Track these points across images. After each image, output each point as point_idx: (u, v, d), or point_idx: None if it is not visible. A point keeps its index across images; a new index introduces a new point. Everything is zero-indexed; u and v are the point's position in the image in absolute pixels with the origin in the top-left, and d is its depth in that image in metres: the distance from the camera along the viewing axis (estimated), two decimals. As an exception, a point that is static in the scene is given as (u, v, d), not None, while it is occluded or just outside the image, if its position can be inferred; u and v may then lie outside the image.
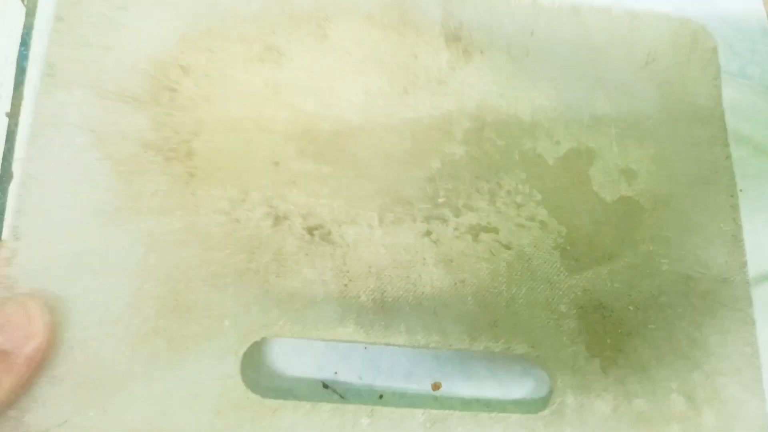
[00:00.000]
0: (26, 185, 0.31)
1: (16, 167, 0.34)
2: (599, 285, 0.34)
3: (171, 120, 0.33)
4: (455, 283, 0.33)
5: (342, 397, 0.32)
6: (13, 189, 0.33)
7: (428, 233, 0.33)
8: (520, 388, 0.33)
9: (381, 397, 0.32)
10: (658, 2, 0.40)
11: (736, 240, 0.35)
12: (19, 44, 0.37)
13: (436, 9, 0.37)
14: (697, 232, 0.35)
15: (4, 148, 0.34)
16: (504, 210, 0.34)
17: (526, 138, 0.36)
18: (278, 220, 0.32)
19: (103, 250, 0.31)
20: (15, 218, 0.30)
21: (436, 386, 0.33)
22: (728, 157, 0.37)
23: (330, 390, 0.32)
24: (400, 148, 0.35)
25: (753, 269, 0.35)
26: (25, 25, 0.37)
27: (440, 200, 0.34)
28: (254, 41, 0.35)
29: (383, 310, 0.32)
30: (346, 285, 0.32)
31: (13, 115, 0.34)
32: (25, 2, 0.37)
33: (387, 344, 0.31)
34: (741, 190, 0.36)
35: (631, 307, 0.33)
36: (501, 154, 0.35)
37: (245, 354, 0.30)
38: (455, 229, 0.34)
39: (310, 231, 0.32)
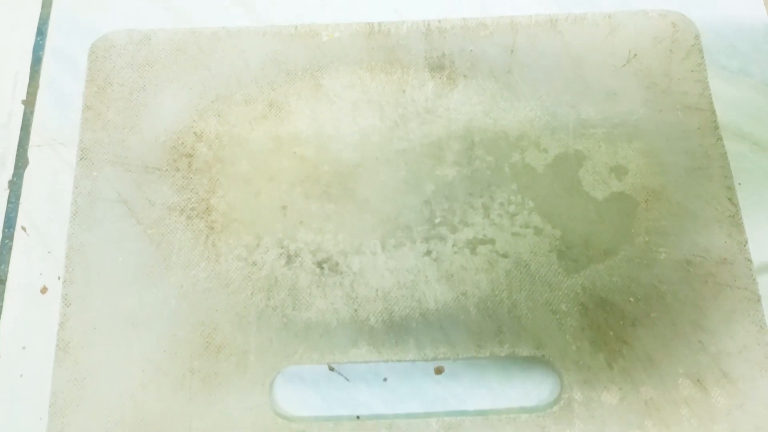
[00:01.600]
0: (71, 258, 0.36)
1: (32, 153, 0.38)
2: (598, 281, 0.35)
3: (190, 183, 0.37)
4: (458, 296, 0.35)
5: (347, 380, 0.35)
6: (27, 175, 0.38)
7: (428, 252, 0.36)
8: (532, 391, 0.35)
9: (385, 380, 0.35)
10: (660, 3, 0.41)
11: (734, 220, 0.36)
12: (35, 34, 0.41)
13: (419, 44, 0.40)
14: (694, 218, 0.36)
15: (20, 135, 0.38)
16: (498, 221, 0.36)
17: (514, 150, 0.38)
18: (290, 258, 0.36)
19: (141, 306, 0.35)
20: (65, 287, 0.35)
21: (438, 370, 0.35)
22: (719, 139, 0.38)
23: (335, 373, 0.35)
24: (395, 177, 0.37)
25: (754, 261, 0.35)
26: (41, 16, 0.41)
27: (437, 220, 0.37)
28: (257, 101, 0.39)
29: (392, 329, 0.34)
30: (356, 310, 0.35)
31: (29, 103, 0.38)
32: (42, -7, 0.40)
33: (398, 360, 0.34)
34: (740, 184, 0.37)
35: (631, 299, 0.35)
36: (491, 169, 0.38)
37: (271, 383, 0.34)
38: (453, 245, 0.36)
39: (320, 265, 0.36)
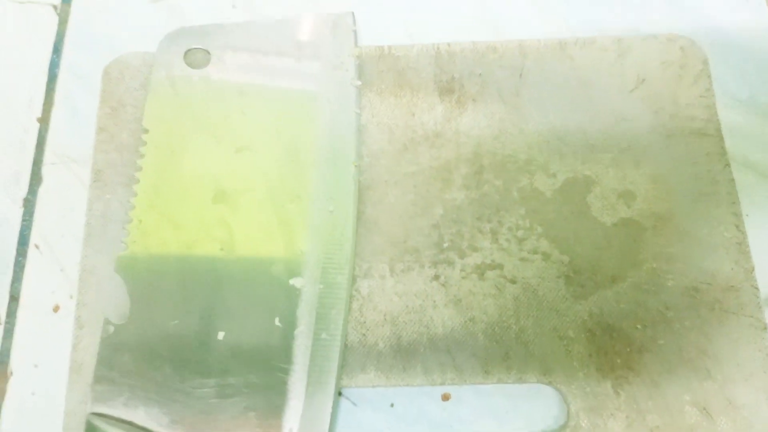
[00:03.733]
0: (84, 280, 0.36)
1: (46, 171, 0.39)
2: (605, 308, 0.35)
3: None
4: (465, 322, 0.35)
5: (354, 404, 0.35)
6: (41, 192, 0.39)
7: (436, 277, 0.36)
8: (538, 417, 0.35)
9: (392, 405, 0.35)
10: (668, 28, 0.42)
11: (740, 247, 0.36)
12: (51, 52, 0.42)
13: (428, 67, 0.41)
14: (701, 245, 0.36)
15: (35, 153, 0.39)
16: (507, 246, 0.37)
17: (523, 175, 0.38)
18: (300, 281, 0.36)
19: (152, 326, 0.35)
20: (78, 309, 0.36)
21: (445, 396, 0.35)
22: (727, 165, 0.38)
23: (343, 397, 0.35)
24: (404, 200, 0.38)
25: (762, 292, 0.35)
26: (57, 33, 0.42)
27: (445, 245, 0.37)
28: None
29: (400, 353, 0.35)
30: (364, 335, 0.35)
31: (44, 121, 0.39)
32: (58, 11, 0.41)
33: (406, 385, 0.34)
34: (747, 215, 0.37)
35: (638, 326, 0.35)
36: (500, 193, 0.38)
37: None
38: (461, 270, 0.36)
39: (329, 288, 0.36)
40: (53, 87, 0.42)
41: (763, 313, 0.35)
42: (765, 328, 0.34)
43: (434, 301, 0.36)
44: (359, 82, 0.40)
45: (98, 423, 0.32)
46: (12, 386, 0.36)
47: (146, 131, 0.38)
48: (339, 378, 0.34)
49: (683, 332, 0.35)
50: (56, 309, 0.37)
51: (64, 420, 0.34)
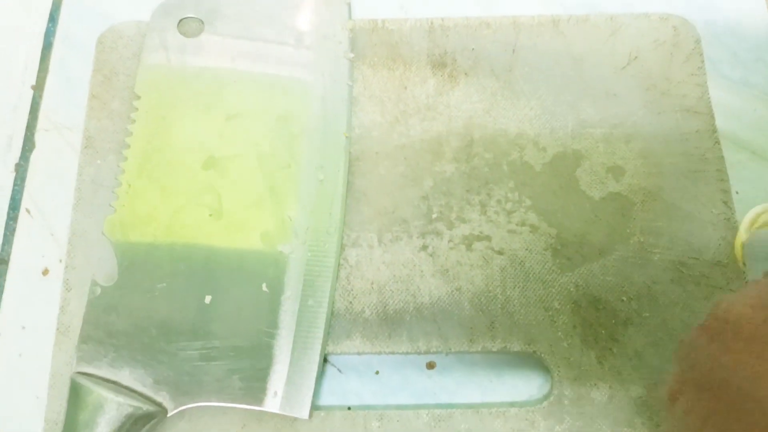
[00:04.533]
0: (73, 243, 0.36)
1: (39, 137, 0.39)
2: (592, 280, 0.35)
3: (191, 172, 0.38)
4: (452, 291, 0.35)
5: (340, 371, 0.35)
6: (34, 158, 0.39)
7: (424, 247, 0.36)
8: (522, 386, 0.35)
9: (377, 372, 0.35)
10: (662, 7, 0.42)
11: (729, 223, 0.36)
12: (47, 21, 0.42)
13: (422, 41, 0.41)
14: (689, 220, 0.36)
15: (29, 119, 0.39)
16: (495, 218, 0.37)
17: (513, 149, 0.38)
18: (288, 249, 0.36)
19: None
20: (66, 272, 0.36)
21: (430, 365, 0.35)
22: (717, 143, 0.38)
23: (328, 364, 0.35)
24: (394, 172, 0.38)
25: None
26: (53, 2, 0.43)
27: (434, 216, 0.37)
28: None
29: (386, 321, 0.35)
30: (351, 302, 0.35)
31: (38, 88, 0.39)
32: (54, -20, 0.41)
33: (391, 353, 0.34)
34: (737, 193, 0.37)
35: (624, 298, 0.35)
36: (489, 166, 0.38)
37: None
38: (449, 241, 0.36)
39: (317, 256, 0.36)
40: (48, 55, 0.42)
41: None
42: (750, 303, 0.34)
43: (421, 271, 0.36)
44: (352, 55, 0.40)
45: (83, 382, 0.32)
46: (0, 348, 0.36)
47: (138, 98, 0.38)
48: (325, 344, 0.34)
49: (668, 306, 0.35)
50: (45, 272, 0.37)
51: (50, 381, 0.34)
